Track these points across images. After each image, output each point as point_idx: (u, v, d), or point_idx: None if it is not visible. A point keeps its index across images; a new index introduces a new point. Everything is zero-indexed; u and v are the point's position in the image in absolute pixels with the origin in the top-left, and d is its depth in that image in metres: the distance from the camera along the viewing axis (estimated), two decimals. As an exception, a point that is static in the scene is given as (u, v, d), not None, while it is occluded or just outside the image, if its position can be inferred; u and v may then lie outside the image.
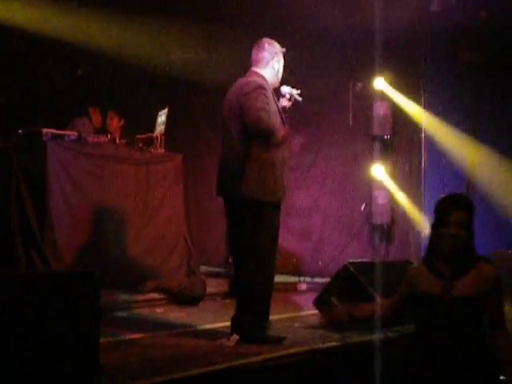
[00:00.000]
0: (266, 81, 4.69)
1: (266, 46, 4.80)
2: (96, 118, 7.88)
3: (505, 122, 7.85)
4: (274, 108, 4.61)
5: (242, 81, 4.75)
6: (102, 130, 7.76)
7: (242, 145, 4.58)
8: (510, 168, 7.84)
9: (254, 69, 4.79)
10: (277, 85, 4.82)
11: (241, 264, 4.71)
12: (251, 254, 4.60)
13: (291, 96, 4.79)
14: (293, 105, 4.84)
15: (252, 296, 4.58)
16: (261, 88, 4.55)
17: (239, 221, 4.69)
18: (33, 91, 8.51)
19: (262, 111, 4.44)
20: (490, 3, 7.22)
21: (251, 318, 4.57)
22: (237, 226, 4.75)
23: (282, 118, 4.70)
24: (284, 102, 4.81)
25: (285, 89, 4.81)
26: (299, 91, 4.80)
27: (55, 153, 5.99)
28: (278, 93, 4.86)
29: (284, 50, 4.85)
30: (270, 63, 4.75)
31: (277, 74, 4.79)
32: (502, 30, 7.46)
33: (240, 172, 4.52)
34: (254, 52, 4.83)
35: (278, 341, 4.56)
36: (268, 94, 4.59)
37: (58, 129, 6.24)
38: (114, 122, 8.00)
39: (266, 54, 4.76)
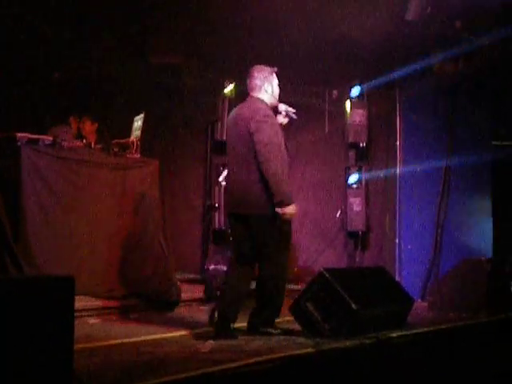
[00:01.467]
0: (267, 104, 5.09)
1: (256, 74, 5.18)
2: (75, 125, 7.85)
3: (479, 130, 7.94)
4: (278, 139, 4.97)
5: (248, 107, 5.12)
6: (80, 135, 7.73)
7: (255, 164, 4.92)
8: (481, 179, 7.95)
9: (252, 94, 5.18)
10: (276, 104, 5.19)
11: (261, 269, 5.20)
12: (269, 260, 5.07)
13: (287, 113, 5.18)
14: (288, 122, 5.24)
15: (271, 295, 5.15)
16: (268, 116, 4.97)
17: (256, 234, 5.06)
18: (7, 95, 8.43)
19: (270, 155, 4.85)
20: (465, 13, 7.29)
21: (268, 314, 5.16)
22: (251, 238, 5.09)
23: (285, 144, 5.08)
24: (281, 119, 5.22)
25: (282, 107, 5.21)
26: (295, 110, 5.18)
27: (30, 157, 5.96)
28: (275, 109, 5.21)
29: (275, 69, 5.20)
30: (263, 88, 5.11)
31: (272, 95, 5.16)
32: (476, 39, 7.55)
33: (260, 192, 4.91)
34: (247, 81, 5.22)
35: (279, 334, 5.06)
36: (274, 121, 5.01)
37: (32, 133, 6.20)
38: (87, 126, 7.97)
39: (257, 82, 5.13)
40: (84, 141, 6.97)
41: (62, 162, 6.21)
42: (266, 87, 5.14)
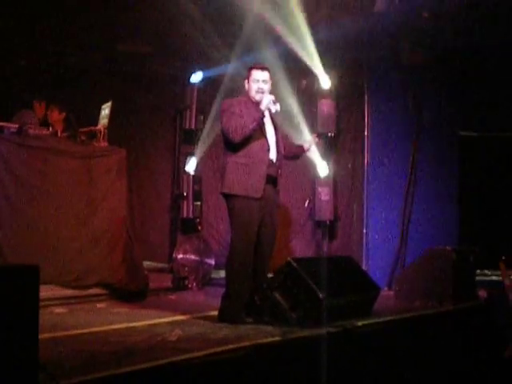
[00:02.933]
0: (249, 97, 5.50)
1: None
2: (40, 111, 7.76)
3: (447, 120, 8.02)
4: (241, 114, 5.35)
5: None
6: (46, 123, 7.63)
7: (224, 153, 5.52)
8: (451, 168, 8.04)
9: None
10: (257, 97, 5.45)
11: None
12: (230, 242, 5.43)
13: (268, 107, 5.38)
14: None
15: (227, 282, 5.38)
16: (223, 110, 5.45)
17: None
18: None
19: (225, 124, 5.39)
20: (433, 3, 7.34)
21: (228, 302, 5.30)
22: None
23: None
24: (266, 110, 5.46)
25: (264, 102, 5.36)
26: (277, 104, 5.39)
27: (-5, 145, 5.88)
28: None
29: (250, 66, 5.58)
30: (245, 85, 5.58)
31: (251, 90, 5.50)
32: (443, 30, 7.61)
33: (223, 173, 5.42)
34: None
35: (251, 322, 5.17)
36: (231, 109, 5.39)
37: None
38: (55, 115, 7.87)
39: (244, 82, 5.62)
40: (50, 129, 6.88)
41: (27, 150, 6.12)
42: (246, 84, 5.56)
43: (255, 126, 5.30)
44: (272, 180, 5.46)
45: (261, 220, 5.39)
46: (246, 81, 5.55)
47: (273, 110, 5.38)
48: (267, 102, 5.32)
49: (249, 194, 5.31)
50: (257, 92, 5.46)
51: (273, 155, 5.45)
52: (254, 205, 5.32)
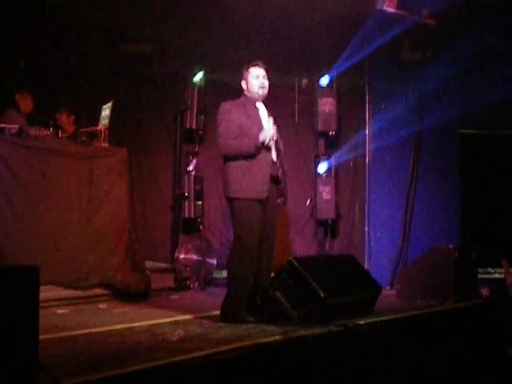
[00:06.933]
0: (247, 97, 5.53)
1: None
2: (26, 103, 7.64)
3: (447, 118, 8.01)
4: (239, 122, 5.38)
5: None
6: (32, 116, 7.53)
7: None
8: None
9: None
10: (257, 95, 5.52)
11: None
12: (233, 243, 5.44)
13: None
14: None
15: (228, 282, 5.42)
16: (221, 114, 5.45)
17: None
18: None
19: (221, 138, 5.37)
20: (433, 1, 7.34)
21: (230, 302, 5.31)
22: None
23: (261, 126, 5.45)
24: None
25: (265, 134, 5.33)
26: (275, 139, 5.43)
27: (-5, 147, 5.88)
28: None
29: (248, 65, 5.57)
30: (243, 85, 5.57)
31: (251, 88, 5.52)
32: (444, 27, 7.61)
33: (225, 176, 5.41)
34: None
35: (252, 322, 5.13)
36: (229, 116, 5.39)
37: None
38: (63, 118, 7.89)
39: (241, 82, 5.60)
40: (51, 129, 6.86)
41: (28, 151, 6.12)
42: (243, 84, 5.57)
43: (248, 154, 5.30)
44: (274, 179, 5.46)
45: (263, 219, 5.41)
46: (244, 81, 5.56)
47: (269, 144, 5.37)
48: (267, 135, 5.32)
49: (254, 196, 5.31)
50: (259, 87, 5.50)
51: (273, 154, 5.45)
52: (258, 206, 5.32)
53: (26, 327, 3.06)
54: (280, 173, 5.51)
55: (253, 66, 5.57)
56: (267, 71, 5.58)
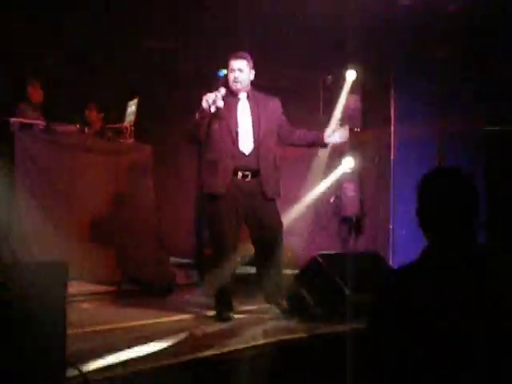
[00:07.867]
0: (231, 89, 5.26)
1: None
2: (36, 93, 7.70)
3: (472, 115, 7.94)
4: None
5: None
6: (42, 105, 7.59)
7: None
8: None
9: None
10: (233, 87, 5.26)
11: None
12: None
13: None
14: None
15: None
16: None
17: None
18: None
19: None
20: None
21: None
22: None
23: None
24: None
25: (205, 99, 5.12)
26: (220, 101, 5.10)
27: (23, 143, 5.92)
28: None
29: (228, 58, 5.32)
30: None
31: (229, 80, 5.28)
32: (470, 23, 7.54)
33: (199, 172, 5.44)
34: None
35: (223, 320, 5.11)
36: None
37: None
38: (93, 115, 7.96)
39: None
40: (77, 125, 6.92)
41: (55, 147, 6.17)
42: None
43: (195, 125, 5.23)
44: (251, 172, 5.21)
45: (245, 217, 5.28)
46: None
47: (212, 110, 5.06)
48: (208, 99, 5.06)
49: (213, 191, 5.18)
50: (233, 82, 5.25)
51: (246, 147, 5.20)
52: (221, 202, 5.15)
53: (54, 322, 3.10)
54: (259, 165, 5.24)
55: (230, 57, 5.29)
56: (250, 61, 5.32)
